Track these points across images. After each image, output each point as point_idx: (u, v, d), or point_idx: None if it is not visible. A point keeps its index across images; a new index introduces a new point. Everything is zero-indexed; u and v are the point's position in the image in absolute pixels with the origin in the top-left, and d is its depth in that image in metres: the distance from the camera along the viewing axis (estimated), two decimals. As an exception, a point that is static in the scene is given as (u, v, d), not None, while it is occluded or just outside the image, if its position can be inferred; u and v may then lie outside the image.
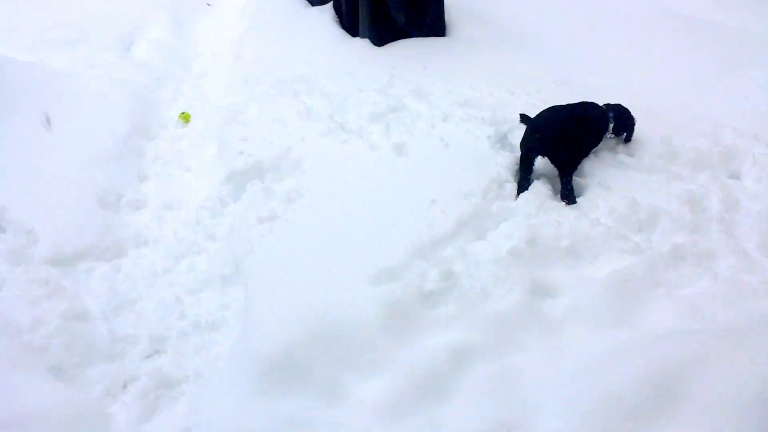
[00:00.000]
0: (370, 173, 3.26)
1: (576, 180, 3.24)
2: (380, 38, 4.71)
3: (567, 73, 4.45)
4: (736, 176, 3.42)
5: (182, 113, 4.21)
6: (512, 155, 3.44)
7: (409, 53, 4.61)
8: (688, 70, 4.56)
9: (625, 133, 3.57)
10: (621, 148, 3.52)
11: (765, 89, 4.20)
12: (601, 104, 3.54)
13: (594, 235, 2.88)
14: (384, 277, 2.68)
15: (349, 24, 4.83)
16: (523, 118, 3.57)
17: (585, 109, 3.45)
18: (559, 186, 3.19)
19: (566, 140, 3.23)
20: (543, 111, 3.42)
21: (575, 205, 3.09)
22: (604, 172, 3.37)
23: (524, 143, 3.30)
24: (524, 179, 3.21)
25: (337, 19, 4.92)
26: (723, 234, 2.96)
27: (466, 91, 4.12)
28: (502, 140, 3.58)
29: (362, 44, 4.63)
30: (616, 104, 3.57)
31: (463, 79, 4.28)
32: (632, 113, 3.57)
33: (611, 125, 3.48)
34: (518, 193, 3.16)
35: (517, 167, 3.31)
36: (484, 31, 4.94)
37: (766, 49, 4.77)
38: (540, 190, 3.14)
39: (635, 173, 3.34)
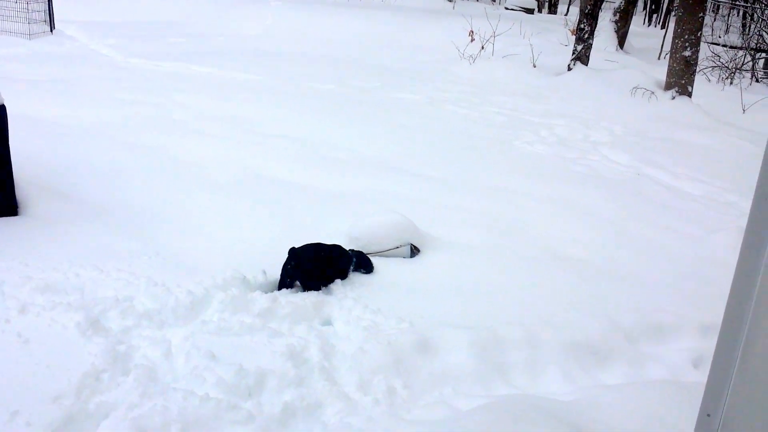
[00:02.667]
0: None
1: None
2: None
3: (161, 242, 4.40)
4: (328, 322, 3.70)
5: None
6: (107, 341, 3.15)
7: (-29, 238, 4.02)
8: (271, 223, 4.90)
9: (363, 270, 4.31)
10: (218, 317, 3.53)
11: (343, 235, 4.70)
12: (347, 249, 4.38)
13: (205, 412, 2.75)
14: None
15: None
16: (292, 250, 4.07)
17: (333, 250, 4.24)
18: None
19: (311, 271, 4.03)
20: (304, 246, 4.16)
21: (179, 385, 2.93)
22: (209, 340, 3.31)
23: (284, 268, 4.02)
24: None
25: None
26: (326, 382, 3.12)
27: (48, 275, 3.72)
28: (94, 325, 3.27)
29: None
30: (357, 251, 4.37)
31: (44, 261, 3.87)
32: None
33: (353, 262, 4.26)
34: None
35: (111, 354, 3.06)
36: (64, 207, 4.61)
37: (343, 203, 5.46)
38: (143, 376, 2.91)
39: (238, 338, 3.35)
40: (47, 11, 13.68)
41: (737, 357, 1.61)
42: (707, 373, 1.69)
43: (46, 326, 3.22)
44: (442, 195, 5.98)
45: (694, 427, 1.75)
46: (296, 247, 4.12)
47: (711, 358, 1.67)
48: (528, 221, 5.53)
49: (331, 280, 4.14)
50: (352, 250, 4.39)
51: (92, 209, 4.74)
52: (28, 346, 3.05)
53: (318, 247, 4.24)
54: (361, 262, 4.33)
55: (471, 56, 14.27)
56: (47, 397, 2.74)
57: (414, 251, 4.62)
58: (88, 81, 9.45)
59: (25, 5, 13.14)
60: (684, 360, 3.73)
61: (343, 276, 4.20)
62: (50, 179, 5.06)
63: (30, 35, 12.91)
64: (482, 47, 14.73)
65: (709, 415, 1.71)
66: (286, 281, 4.03)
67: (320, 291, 4.00)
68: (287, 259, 4.05)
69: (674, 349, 3.80)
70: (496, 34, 14.93)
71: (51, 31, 13.71)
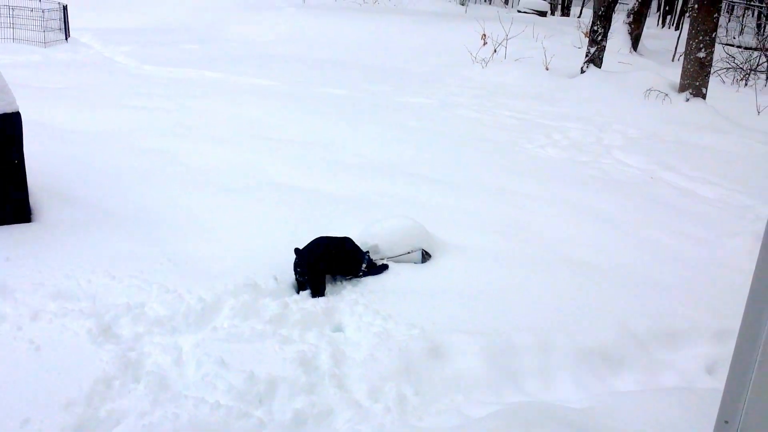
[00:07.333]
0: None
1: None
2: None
3: (173, 247, 4.39)
4: (339, 329, 3.69)
5: None
6: (118, 347, 3.16)
7: (-13, 245, 4.05)
8: (283, 228, 4.88)
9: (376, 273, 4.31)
10: (229, 323, 3.53)
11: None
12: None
13: (215, 420, 2.75)
14: None
15: None
16: (296, 250, 4.09)
17: (344, 243, 4.26)
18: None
19: (315, 268, 4.01)
20: (311, 242, 4.17)
21: (190, 392, 2.93)
22: (220, 347, 3.31)
23: (294, 271, 4.05)
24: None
25: None
26: (337, 389, 3.11)
27: (61, 282, 3.74)
28: (105, 332, 3.28)
29: None
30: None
31: (57, 268, 3.89)
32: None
33: (366, 260, 4.26)
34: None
35: (123, 361, 3.06)
36: (76, 213, 4.64)
37: (355, 207, 5.44)
38: (154, 383, 2.92)
39: (249, 344, 3.35)
40: (62, 19, 13.82)
41: (755, 362, 1.58)
42: (721, 379, 1.66)
43: (57, 333, 3.23)
44: (454, 199, 5.96)
45: (710, 433, 1.72)
46: (300, 248, 4.10)
47: (725, 364, 1.65)
48: (540, 225, 5.49)
49: (347, 274, 4.19)
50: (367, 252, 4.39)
51: (104, 215, 4.76)
52: (40, 353, 3.07)
53: (324, 240, 4.21)
54: (373, 266, 4.33)
55: (483, 60, 14.24)
56: (58, 404, 2.75)
57: (425, 256, 4.60)
58: (102, 88, 9.52)
59: (41, 13, 13.28)
60: (698, 366, 3.69)
61: (357, 271, 4.22)
62: (63, 185, 5.09)
63: (45, 43, 13.05)
64: (495, 50, 14.70)
65: (727, 422, 1.68)
66: (301, 282, 4.03)
67: (329, 296, 3.98)
68: (295, 260, 4.05)
69: (688, 355, 3.76)
70: (508, 37, 14.89)
71: (66, 39, 13.85)
